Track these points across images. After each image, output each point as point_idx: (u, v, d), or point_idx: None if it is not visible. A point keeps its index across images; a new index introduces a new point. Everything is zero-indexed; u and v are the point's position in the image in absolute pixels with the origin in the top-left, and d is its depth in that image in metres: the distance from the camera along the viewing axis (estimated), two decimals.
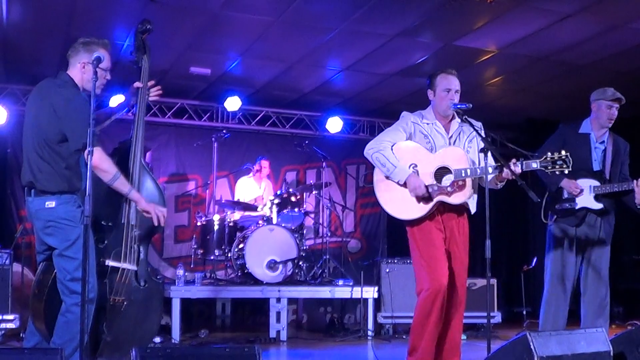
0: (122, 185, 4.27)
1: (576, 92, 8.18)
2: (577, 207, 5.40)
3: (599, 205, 5.38)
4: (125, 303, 4.49)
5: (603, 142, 5.52)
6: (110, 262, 4.44)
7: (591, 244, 5.43)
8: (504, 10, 6.55)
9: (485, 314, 4.80)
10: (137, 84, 4.75)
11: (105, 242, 4.47)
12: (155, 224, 4.43)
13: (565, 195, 5.45)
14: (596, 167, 5.45)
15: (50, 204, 4.19)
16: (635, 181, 5.18)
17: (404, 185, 4.49)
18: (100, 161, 4.10)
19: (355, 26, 7.01)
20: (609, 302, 5.45)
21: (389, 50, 7.67)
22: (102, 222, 4.47)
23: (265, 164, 9.10)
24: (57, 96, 4.23)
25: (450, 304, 4.52)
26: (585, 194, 5.37)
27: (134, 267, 4.54)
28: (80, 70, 4.36)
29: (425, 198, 4.47)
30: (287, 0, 6.45)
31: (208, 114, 9.79)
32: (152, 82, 4.83)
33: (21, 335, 6.81)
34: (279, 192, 8.22)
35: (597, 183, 5.38)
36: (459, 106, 4.49)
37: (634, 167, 5.57)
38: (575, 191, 5.35)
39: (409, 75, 8.55)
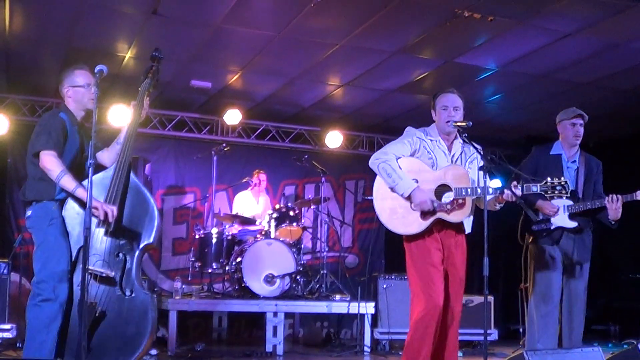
0: (67, 183, 4.44)
1: None
2: (552, 227, 5.40)
3: (573, 224, 5.39)
4: (99, 308, 4.46)
5: (575, 161, 5.53)
6: (91, 267, 4.42)
7: (569, 263, 5.43)
8: (504, 29, 6.58)
9: (482, 331, 4.79)
10: (133, 103, 4.90)
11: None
12: (102, 218, 4.45)
13: (541, 217, 5.41)
14: None
15: (29, 212, 4.55)
16: (607, 198, 5.21)
17: (408, 198, 4.49)
18: (47, 163, 4.41)
19: (356, 42, 7.04)
20: (583, 321, 5.46)
21: (389, 66, 7.70)
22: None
23: (262, 177, 9.10)
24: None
25: (446, 321, 4.52)
26: (560, 213, 5.36)
27: (102, 271, 4.49)
28: (66, 96, 4.70)
29: (426, 213, 4.47)
30: (288, 16, 6.49)
31: (208, 127, 9.79)
32: (146, 101, 4.94)
33: (17, 345, 6.81)
34: (277, 207, 8.22)
35: (570, 202, 5.38)
36: (458, 123, 4.50)
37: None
38: (551, 211, 5.31)
39: (409, 92, 8.58)
